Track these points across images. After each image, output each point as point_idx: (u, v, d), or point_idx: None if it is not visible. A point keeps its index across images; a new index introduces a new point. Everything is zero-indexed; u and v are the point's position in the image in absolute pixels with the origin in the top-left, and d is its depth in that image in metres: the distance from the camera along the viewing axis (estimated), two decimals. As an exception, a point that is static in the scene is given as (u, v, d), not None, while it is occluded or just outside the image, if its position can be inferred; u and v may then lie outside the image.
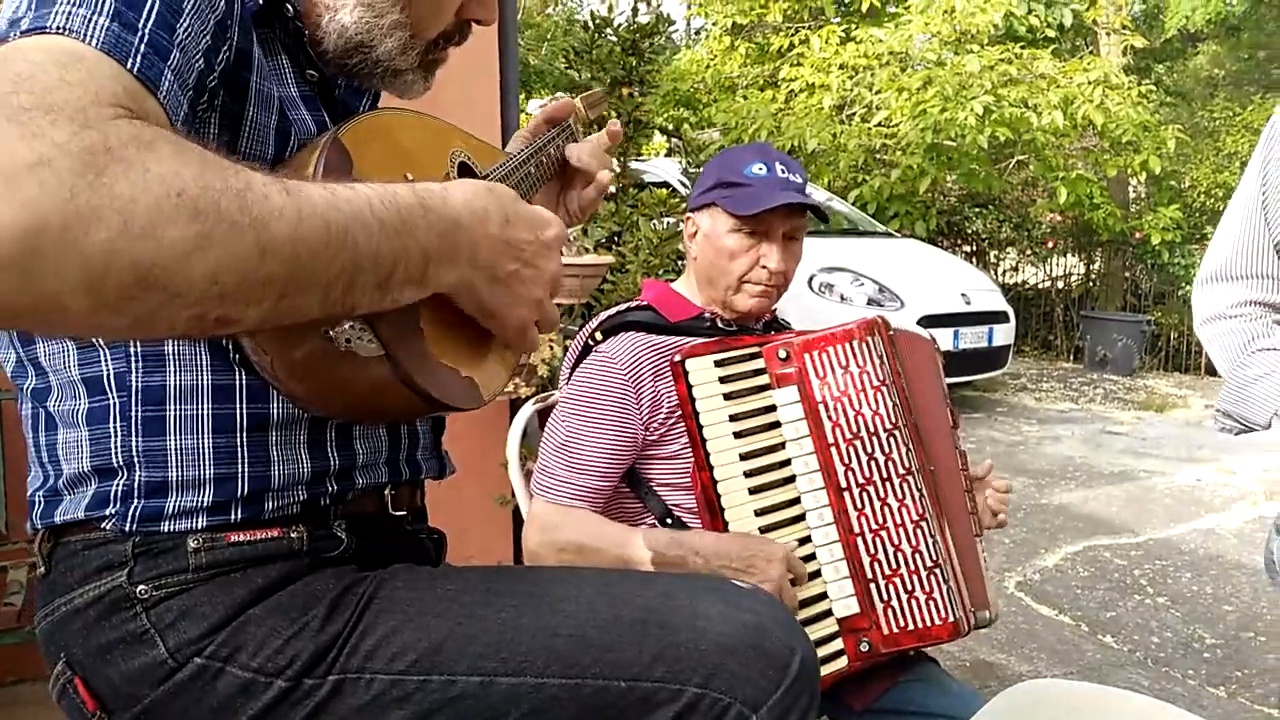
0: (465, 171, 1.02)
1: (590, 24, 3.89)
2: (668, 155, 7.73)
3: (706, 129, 11.24)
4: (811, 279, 6.55)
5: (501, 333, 0.89)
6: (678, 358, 1.51)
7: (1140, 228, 9.25)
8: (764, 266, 1.58)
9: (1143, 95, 9.48)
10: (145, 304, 0.60)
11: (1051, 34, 10.84)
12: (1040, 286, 10.47)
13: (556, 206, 1.23)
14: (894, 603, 1.48)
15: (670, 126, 11.51)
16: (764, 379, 1.53)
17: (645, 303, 1.68)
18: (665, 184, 6.34)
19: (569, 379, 1.63)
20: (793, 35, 11.13)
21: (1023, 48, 9.16)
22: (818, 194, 8.62)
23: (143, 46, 0.69)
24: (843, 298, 6.55)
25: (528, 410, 2.01)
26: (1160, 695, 2.96)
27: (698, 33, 17.46)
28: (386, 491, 1.04)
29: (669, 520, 1.57)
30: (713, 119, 10.86)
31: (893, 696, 1.56)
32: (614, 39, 3.86)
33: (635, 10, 3.93)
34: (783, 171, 1.59)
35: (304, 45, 0.94)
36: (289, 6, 0.91)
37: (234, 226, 0.62)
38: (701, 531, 1.51)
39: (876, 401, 1.50)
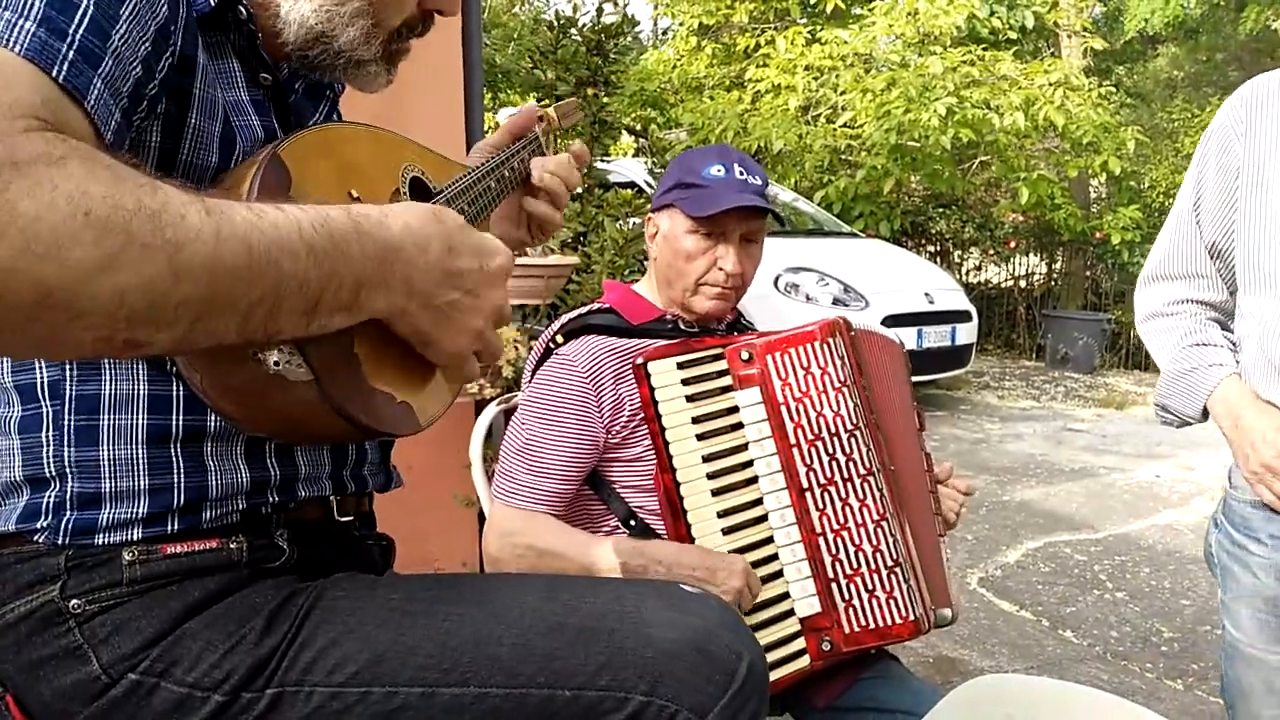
0: (418, 187, 0.99)
1: (555, 24, 3.89)
2: (635, 155, 7.74)
3: (674, 129, 11.27)
4: (777, 279, 6.58)
5: (438, 361, 0.87)
6: (640, 360, 1.51)
7: (1101, 228, 9.39)
8: (720, 268, 1.59)
9: (1103, 97, 9.62)
10: (46, 324, 0.58)
11: (1013, 36, 10.98)
12: (1003, 286, 10.60)
13: (518, 223, 1.18)
14: (855, 602, 1.50)
15: (638, 127, 11.56)
16: (727, 380, 1.54)
17: (607, 305, 1.68)
18: (632, 184, 6.35)
19: (530, 381, 1.63)
20: (759, 36, 11.18)
21: (985, 49, 9.27)
22: (784, 194, 8.66)
23: (71, 53, 0.68)
24: (808, 298, 6.59)
25: (491, 411, 2.01)
26: (1119, 689, 3.01)
27: (664, 33, 17.49)
28: (331, 498, 1.03)
29: (632, 522, 1.58)
30: (679, 119, 10.88)
31: (854, 693, 1.57)
32: (578, 39, 3.86)
33: (600, 11, 3.94)
34: (741, 173, 1.60)
35: (257, 48, 0.93)
36: (241, 8, 0.90)
37: (145, 249, 0.60)
38: (663, 541, 1.51)
39: (838, 402, 1.51)
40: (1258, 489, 1.51)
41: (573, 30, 3.89)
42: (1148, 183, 10.48)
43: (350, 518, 1.06)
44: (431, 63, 3.20)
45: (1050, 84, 8.85)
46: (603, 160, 4.19)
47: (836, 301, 6.57)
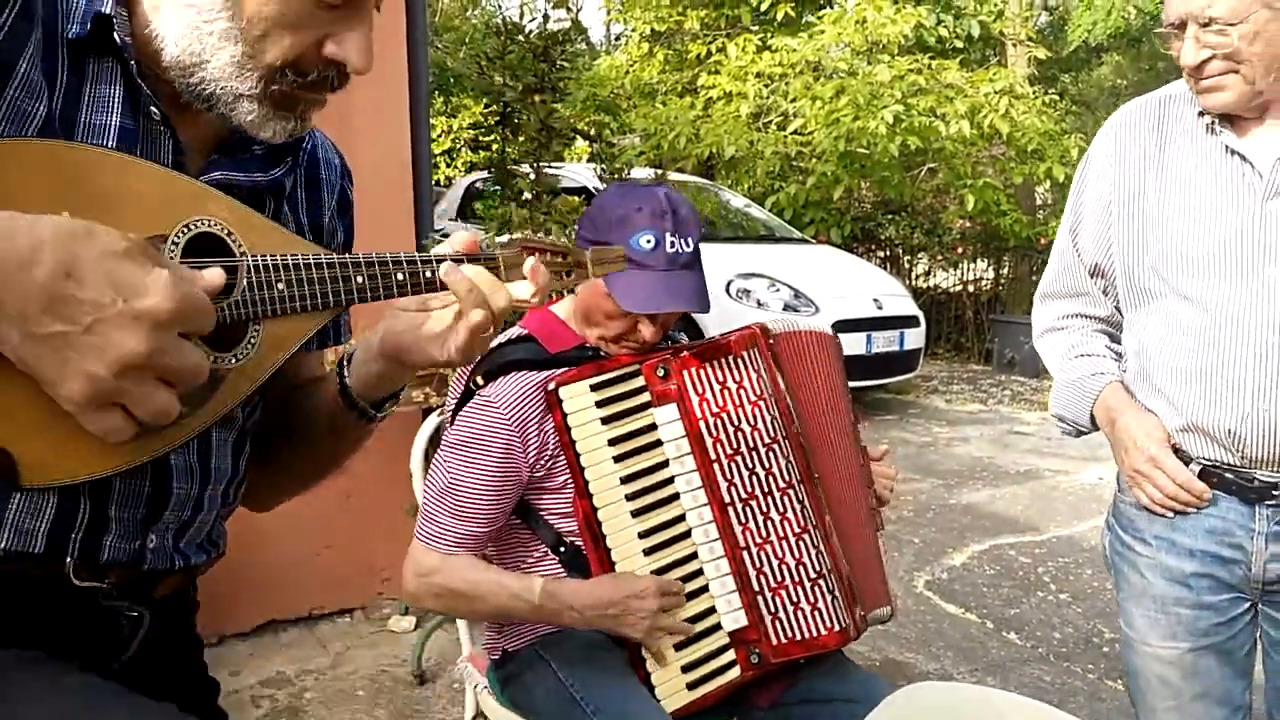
0: (208, 242, 0.86)
1: (502, 30, 3.87)
2: (590, 160, 7.73)
3: (628, 134, 11.29)
4: (729, 284, 6.62)
5: (65, 406, 0.72)
6: (551, 386, 1.50)
7: (1045, 233, 9.56)
8: (639, 333, 1.56)
9: (1048, 105, 9.81)
10: None
11: (960, 45, 11.16)
12: (952, 290, 10.75)
13: (440, 340, 0.95)
14: (781, 614, 1.51)
15: (591, 131, 11.55)
16: (644, 397, 1.53)
17: (526, 332, 1.64)
18: (583, 189, 6.34)
19: (452, 421, 1.60)
20: (710, 43, 11.24)
21: (931, 58, 9.40)
22: (736, 200, 8.72)
23: None
24: (759, 303, 6.63)
25: (433, 422, 1.99)
26: (1061, 690, 3.06)
27: (617, 39, 17.53)
28: (69, 560, 0.88)
29: (561, 549, 1.57)
30: (632, 125, 10.90)
31: (798, 689, 1.58)
32: (526, 46, 3.85)
33: (546, 18, 3.93)
34: (672, 244, 1.51)
35: (132, 76, 0.88)
36: (116, 35, 0.86)
37: None
38: (578, 583, 1.50)
39: (755, 416, 1.52)
40: (1134, 491, 1.57)
41: (520, 36, 3.87)
42: (1091, 189, 10.66)
43: (101, 584, 0.92)
44: (376, 63, 3.15)
45: (995, 92, 9.01)
46: (551, 166, 4.18)
47: (787, 307, 6.61)
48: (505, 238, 1.05)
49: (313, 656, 3.04)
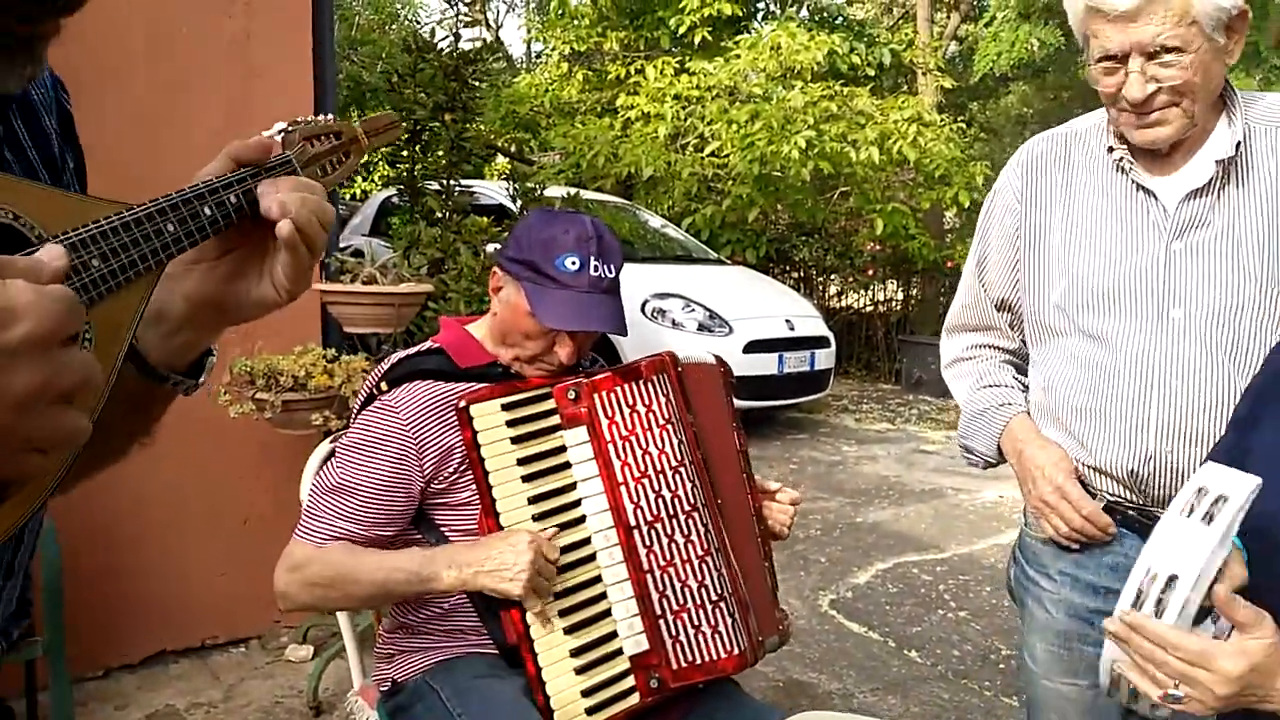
0: (6, 234, 0.74)
1: (413, 47, 3.83)
2: (505, 179, 7.69)
3: (549, 151, 11.29)
4: (645, 304, 6.65)
5: None
6: (462, 403, 1.49)
7: (953, 256, 9.84)
8: (556, 354, 1.58)
9: (955, 132, 10.12)
10: None
11: (872, 73, 11.46)
12: (863, 311, 10.99)
13: (256, 276, 0.87)
14: (682, 638, 1.51)
15: (512, 149, 11.50)
16: (554, 419, 1.53)
17: (437, 345, 1.64)
18: (500, 206, 6.31)
19: (351, 423, 1.59)
20: (629, 65, 11.33)
21: (843, 85, 9.62)
22: (653, 220, 8.78)
23: None
24: (674, 323, 6.67)
25: (324, 449, 1.94)
26: (959, 707, 3.12)
27: (538, 56, 17.53)
28: None
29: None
30: (552, 143, 10.91)
31: (696, 716, 1.59)
32: (437, 64, 3.81)
33: (457, 37, 3.91)
34: (596, 267, 1.55)
35: None
36: None
37: None
38: (451, 544, 1.50)
39: (663, 439, 1.53)
40: (1041, 523, 1.56)
41: (430, 55, 3.84)
42: (995, 215, 11.03)
43: None
44: (282, 72, 3.10)
45: (904, 120, 9.26)
46: (460, 186, 4.14)
47: (702, 328, 6.67)
48: (282, 126, 0.93)
49: (204, 689, 2.94)
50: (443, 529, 1.56)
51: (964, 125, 12.75)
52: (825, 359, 7.21)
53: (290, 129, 0.91)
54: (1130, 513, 1.48)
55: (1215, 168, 1.41)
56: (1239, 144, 1.41)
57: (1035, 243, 1.57)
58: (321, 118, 0.92)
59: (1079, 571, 1.54)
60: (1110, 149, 1.48)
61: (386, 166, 12.91)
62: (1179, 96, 1.37)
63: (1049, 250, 1.55)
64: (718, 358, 1.75)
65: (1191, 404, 1.39)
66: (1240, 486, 1.10)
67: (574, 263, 1.54)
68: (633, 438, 1.53)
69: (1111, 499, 1.49)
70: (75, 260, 0.71)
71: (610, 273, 1.57)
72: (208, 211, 0.81)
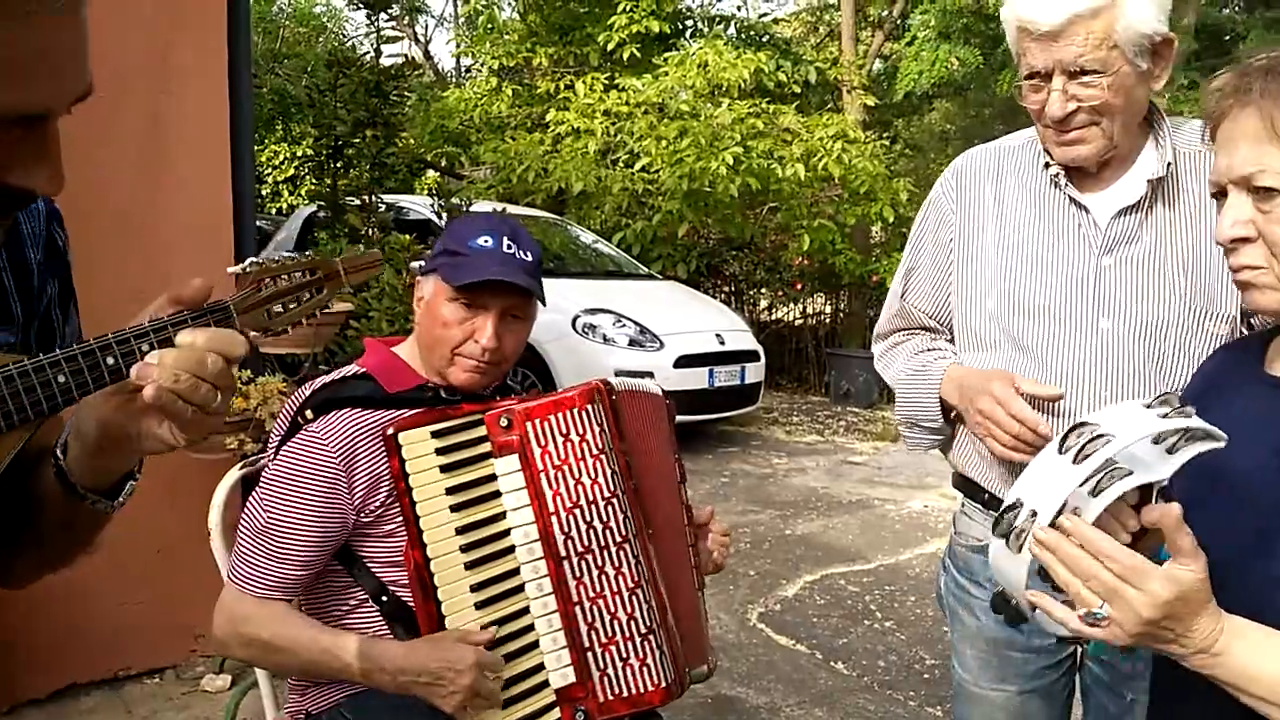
0: None
1: (333, 62, 3.78)
2: (430, 194, 7.62)
3: (480, 166, 11.21)
4: (575, 320, 6.64)
5: None
6: (390, 431, 1.46)
7: (878, 271, 10.03)
8: (477, 340, 1.56)
9: (879, 149, 10.33)
10: None
11: (798, 90, 11.63)
12: (793, 324, 11.13)
13: (160, 423, 0.86)
14: (609, 671, 1.51)
15: (442, 163, 11.38)
16: (485, 447, 1.52)
17: (364, 370, 1.61)
18: (425, 222, 6.24)
19: (274, 456, 1.54)
20: (559, 80, 11.33)
21: (769, 103, 9.76)
22: (584, 235, 8.78)
23: None
24: (605, 339, 6.67)
25: (233, 476, 1.89)
26: (885, 717, 3.17)
27: (467, 70, 17.42)
28: None
29: (384, 598, 1.52)
30: (482, 158, 10.84)
31: None
32: (358, 79, 3.77)
33: (378, 53, 3.86)
34: (509, 247, 1.56)
35: None
36: None
37: None
38: (392, 644, 1.47)
39: (596, 469, 1.52)
40: (986, 443, 1.48)
41: (351, 70, 3.79)
42: (919, 230, 11.27)
43: None
44: (195, 93, 3.03)
45: (829, 136, 9.42)
46: (382, 201, 4.08)
47: (633, 343, 6.69)
48: (241, 266, 0.94)
49: (118, 722, 2.84)
50: (365, 560, 1.53)
51: (888, 142, 13.03)
52: (755, 372, 7.29)
53: (248, 268, 0.90)
54: None
55: (1146, 187, 1.46)
56: (1169, 165, 1.46)
57: (969, 252, 1.60)
58: (297, 255, 0.93)
59: None
60: (1046, 165, 1.52)
61: (312, 181, 12.71)
62: (1098, 116, 1.41)
63: (983, 261, 1.58)
64: (663, 390, 1.76)
65: None
66: (1131, 429, 1.00)
67: (487, 240, 1.55)
68: (566, 467, 1.51)
69: None
70: None
71: (526, 256, 1.57)
72: (110, 361, 0.80)
